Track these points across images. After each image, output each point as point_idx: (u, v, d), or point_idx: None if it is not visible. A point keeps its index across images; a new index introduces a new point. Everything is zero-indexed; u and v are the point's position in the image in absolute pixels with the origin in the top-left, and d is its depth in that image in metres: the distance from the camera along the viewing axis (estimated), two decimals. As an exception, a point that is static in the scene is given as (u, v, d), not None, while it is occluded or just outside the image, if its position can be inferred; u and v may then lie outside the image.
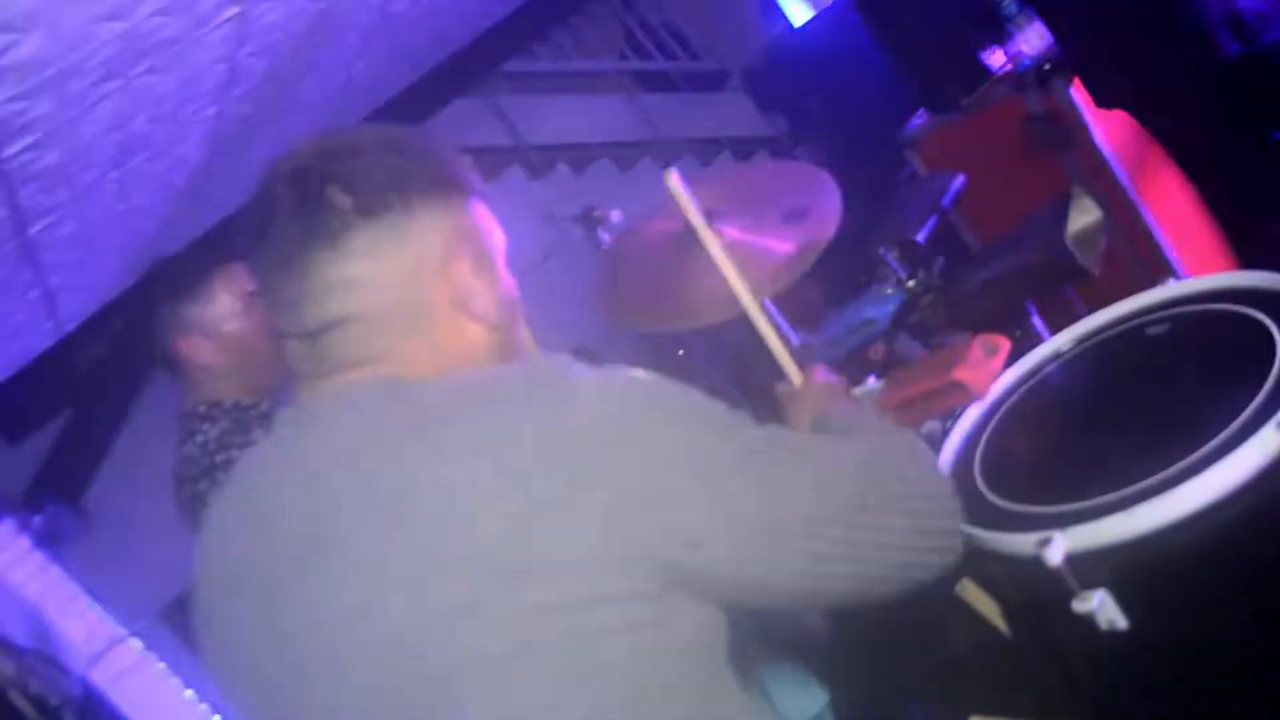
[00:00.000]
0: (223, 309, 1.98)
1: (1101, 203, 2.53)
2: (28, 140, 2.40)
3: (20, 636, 3.21)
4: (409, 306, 1.05)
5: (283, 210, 1.01)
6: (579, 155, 6.03)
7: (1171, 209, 2.65)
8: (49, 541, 3.90)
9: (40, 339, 3.78)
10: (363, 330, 1.03)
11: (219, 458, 1.82)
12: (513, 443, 0.90)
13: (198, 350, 1.96)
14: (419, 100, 5.14)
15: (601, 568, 0.89)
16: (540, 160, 5.94)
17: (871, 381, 1.94)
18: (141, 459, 4.57)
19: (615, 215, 2.27)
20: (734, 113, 6.62)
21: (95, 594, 3.83)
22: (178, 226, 4.09)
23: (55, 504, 4.09)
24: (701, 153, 6.33)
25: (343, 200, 1.01)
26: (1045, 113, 2.63)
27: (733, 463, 0.96)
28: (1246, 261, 2.52)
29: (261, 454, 1.08)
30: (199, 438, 1.86)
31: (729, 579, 0.95)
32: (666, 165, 6.39)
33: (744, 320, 1.62)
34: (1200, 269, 2.56)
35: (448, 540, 0.89)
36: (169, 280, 2.03)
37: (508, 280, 1.16)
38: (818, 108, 5.29)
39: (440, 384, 0.99)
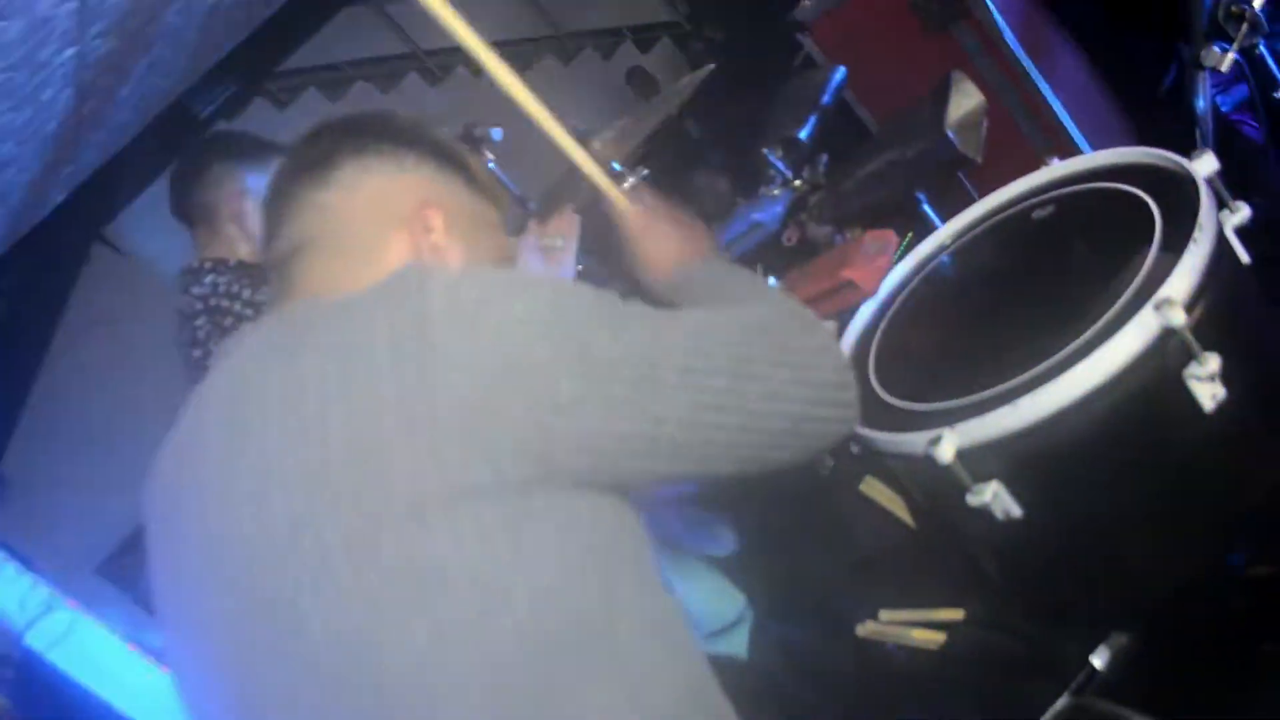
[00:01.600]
0: None
1: (994, 76, 2.52)
2: None
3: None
4: (366, 239, 1.08)
5: (291, 150, 1.13)
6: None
7: (1070, 76, 2.62)
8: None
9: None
10: (320, 255, 1.07)
11: (224, 303, 1.97)
12: (365, 340, 0.88)
13: (243, 210, 2.11)
14: (302, 15, 4.91)
15: (461, 457, 0.84)
16: (437, 65, 5.77)
17: (770, 283, 1.92)
18: (56, 417, 4.45)
19: (496, 133, 2.20)
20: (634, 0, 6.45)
21: (24, 560, 3.76)
22: (57, 172, 3.91)
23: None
24: (603, 45, 6.18)
25: (340, 140, 1.11)
26: (934, -15, 2.57)
27: (600, 326, 0.93)
28: (1144, 127, 2.53)
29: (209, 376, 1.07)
30: (208, 279, 2.01)
31: (608, 440, 0.90)
32: (567, 61, 6.20)
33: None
34: (1101, 137, 2.54)
35: (294, 447, 0.87)
36: (230, 144, 2.23)
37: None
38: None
39: (329, 298, 0.99)
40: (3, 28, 2.43)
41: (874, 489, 1.55)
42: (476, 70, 5.41)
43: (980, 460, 1.20)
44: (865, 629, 1.57)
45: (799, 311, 1.14)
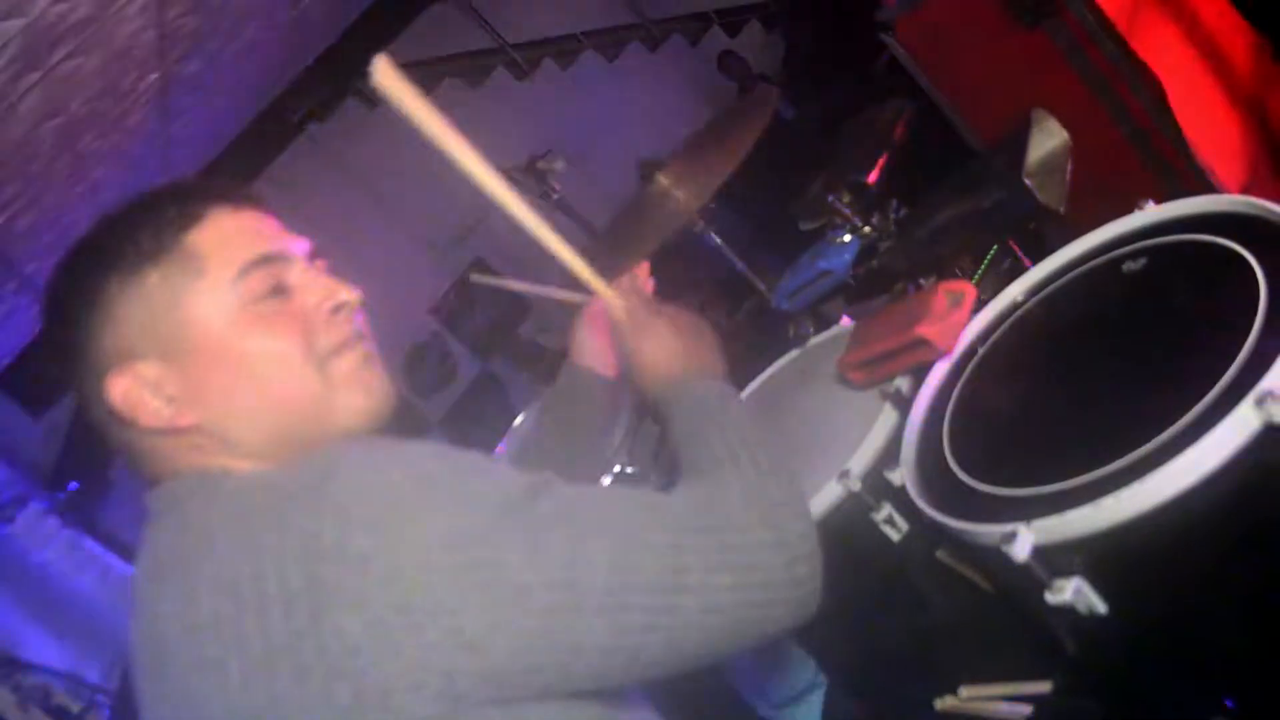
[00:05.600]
0: None
1: (1093, 77, 2.36)
2: (-48, 150, 2.31)
3: (55, 620, 3.26)
4: (197, 352, 0.99)
5: None
6: (564, 49, 5.81)
7: (1187, 75, 2.42)
8: (77, 516, 3.94)
9: (31, 323, 3.75)
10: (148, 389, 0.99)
11: None
12: (254, 576, 0.81)
13: None
14: (386, 16, 4.93)
15: (355, 703, 0.77)
16: (524, 59, 5.74)
17: (845, 322, 1.83)
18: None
19: (560, 164, 2.14)
20: (720, -17, 6.31)
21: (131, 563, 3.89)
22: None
23: (81, 476, 4.12)
24: (690, 31, 6.06)
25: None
26: (1026, -23, 2.41)
27: (513, 544, 0.83)
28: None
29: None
30: None
31: (517, 674, 0.82)
32: (654, 48, 6.14)
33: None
34: (1225, 155, 2.34)
35: (200, 690, 0.82)
36: None
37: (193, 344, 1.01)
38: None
39: (208, 507, 0.91)
40: (81, 63, 2.47)
41: (951, 557, 1.46)
42: (565, 64, 5.37)
43: (1060, 557, 1.11)
44: (944, 704, 1.49)
45: (762, 484, 1.02)
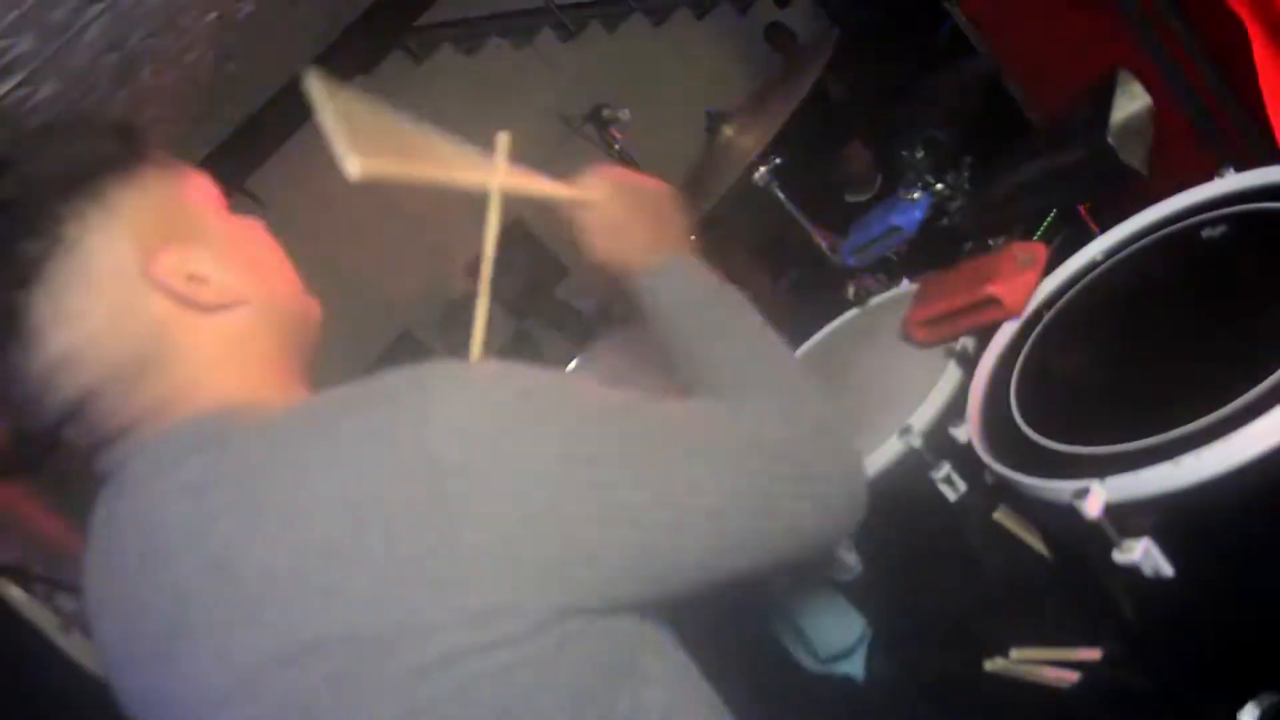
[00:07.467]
0: None
1: (1160, 56, 2.32)
2: (17, 78, 2.32)
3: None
4: (142, 345, 0.87)
5: None
6: (611, 12, 5.77)
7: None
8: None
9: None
10: (113, 402, 0.87)
11: None
12: (375, 495, 0.77)
13: None
14: (438, -30, 4.92)
15: (492, 612, 0.77)
16: (571, 20, 5.71)
17: (906, 284, 1.82)
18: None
19: (625, 114, 2.13)
20: (772, -49, 6.25)
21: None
22: (201, 127, 4.02)
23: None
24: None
25: None
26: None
27: (622, 462, 0.85)
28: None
29: (101, 527, 0.90)
30: None
31: (631, 582, 0.85)
32: (702, 15, 6.09)
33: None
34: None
35: (319, 613, 0.78)
36: None
37: (238, 228, 0.98)
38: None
39: (270, 428, 0.84)
40: (145, -3, 2.48)
41: (1008, 518, 1.46)
42: (611, 27, 5.35)
43: (1131, 516, 1.10)
44: (994, 665, 1.49)
45: (821, 410, 1.05)
